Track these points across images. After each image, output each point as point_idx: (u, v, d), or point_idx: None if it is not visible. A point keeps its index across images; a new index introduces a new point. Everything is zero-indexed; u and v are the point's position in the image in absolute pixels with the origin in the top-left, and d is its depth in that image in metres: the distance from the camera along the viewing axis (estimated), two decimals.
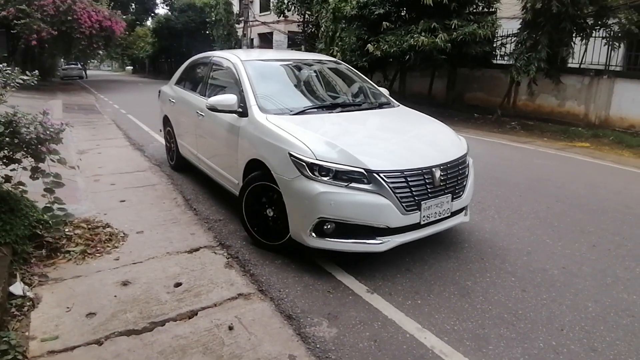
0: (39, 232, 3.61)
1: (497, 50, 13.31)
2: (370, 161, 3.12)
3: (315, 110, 4.10)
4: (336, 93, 4.78)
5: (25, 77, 3.66)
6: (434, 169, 3.28)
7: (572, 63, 11.96)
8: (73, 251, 3.56)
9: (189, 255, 3.60)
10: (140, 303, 2.88)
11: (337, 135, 3.57)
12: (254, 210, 3.73)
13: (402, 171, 3.16)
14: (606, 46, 10.95)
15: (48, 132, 3.37)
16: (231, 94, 4.05)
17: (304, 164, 3.13)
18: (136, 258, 3.52)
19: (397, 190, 3.11)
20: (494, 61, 13.68)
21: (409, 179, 3.16)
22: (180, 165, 6.10)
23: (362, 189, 3.08)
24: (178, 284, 3.13)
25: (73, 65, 35.53)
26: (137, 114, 12.40)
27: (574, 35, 10.94)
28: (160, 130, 6.85)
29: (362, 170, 3.08)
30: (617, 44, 10.77)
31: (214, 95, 4.45)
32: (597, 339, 2.70)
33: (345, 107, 4.36)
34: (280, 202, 3.42)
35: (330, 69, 5.16)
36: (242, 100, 4.02)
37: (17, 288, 2.90)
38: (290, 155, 3.21)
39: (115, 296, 2.96)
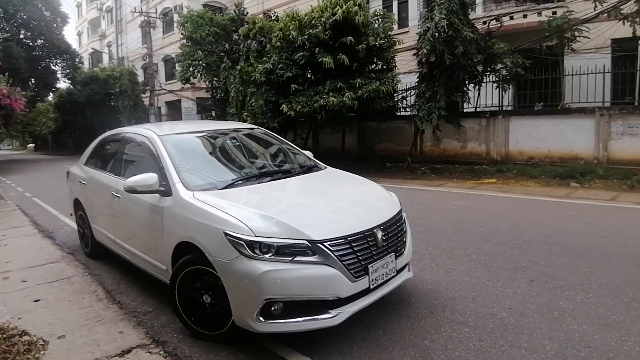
0: None
1: (399, 103, 14.28)
2: (312, 231, 2.99)
3: (243, 182, 3.92)
4: (261, 161, 4.65)
5: None
6: (375, 230, 3.23)
7: (468, 107, 13.08)
8: None
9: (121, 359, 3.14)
10: None
11: (272, 207, 3.42)
12: (189, 298, 3.37)
13: (345, 237, 3.05)
14: (497, 89, 12.14)
15: None
16: (150, 172, 3.76)
17: (243, 242, 2.91)
18: None
19: (344, 258, 2.99)
20: (398, 113, 14.63)
21: (353, 244, 3.06)
22: (96, 252, 5.53)
23: (308, 262, 2.91)
24: None
25: None
26: (44, 196, 11.47)
27: (467, 82, 12.03)
28: (71, 214, 6.24)
29: (306, 242, 2.93)
30: (506, 86, 12.00)
31: (130, 174, 4.11)
32: None
33: (273, 175, 4.22)
34: (218, 286, 3.14)
35: (249, 136, 5.04)
36: (164, 179, 3.75)
37: None
38: (226, 234, 2.98)
39: None
